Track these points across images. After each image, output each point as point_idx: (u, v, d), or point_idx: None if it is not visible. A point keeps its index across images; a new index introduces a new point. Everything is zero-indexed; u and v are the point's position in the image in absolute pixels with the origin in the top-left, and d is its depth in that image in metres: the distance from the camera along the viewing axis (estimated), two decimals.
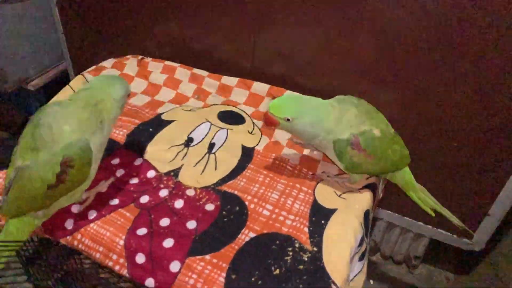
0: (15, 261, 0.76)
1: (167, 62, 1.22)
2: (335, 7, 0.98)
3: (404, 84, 1.02)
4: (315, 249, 0.74)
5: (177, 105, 1.10)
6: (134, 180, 0.86)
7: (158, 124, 1.01)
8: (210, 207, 0.81)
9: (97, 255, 0.75)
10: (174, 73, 1.19)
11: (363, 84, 1.07)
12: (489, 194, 1.08)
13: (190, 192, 0.84)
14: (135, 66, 1.21)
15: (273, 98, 0.96)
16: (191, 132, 0.98)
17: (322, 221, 0.79)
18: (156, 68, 1.21)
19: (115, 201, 0.81)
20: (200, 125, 1.00)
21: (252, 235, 0.76)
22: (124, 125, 1.00)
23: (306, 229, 0.78)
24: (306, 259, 0.72)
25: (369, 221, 0.85)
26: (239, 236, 0.76)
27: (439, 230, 1.22)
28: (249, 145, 0.97)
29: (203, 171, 0.89)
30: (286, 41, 1.10)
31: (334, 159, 0.81)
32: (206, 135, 0.98)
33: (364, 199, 0.85)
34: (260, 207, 0.82)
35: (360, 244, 0.79)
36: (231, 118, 1.04)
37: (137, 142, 0.95)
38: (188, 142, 0.96)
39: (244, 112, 1.07)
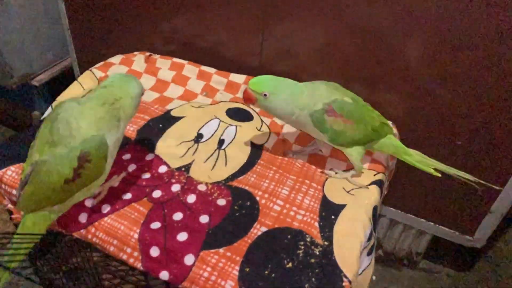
0: None
1: (175, 59, 1.22)
2: (342, 5, 1.00)
3: (410, 90, 1.04)
4: (326, 243, 0.76)
5: (185, 101, 1.11)
6: (146, 175, 0.87)
7: (167, 120, 1.02)
8: (221, 202, 0.82)
9: (111, 248, 0.76)
10: (182, 70, 1.20)
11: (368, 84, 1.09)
12: (491, 191, 1.11)
13: (201, 187, 0.85)
14: (143, 63, 1.22)
15: None
16: (200, 129, 1.00)
17: (332, 216, 0.81)
18: (164, 65, 1.22)
19: (128, 196, 0.82)
20: (210, 121, 1.01)
21: (264, 229, 0.78)
22: (134, 121, 1.01)
23: (316, 224, 0.79)
24: (317, 253, 0.74)
25: (377, 217, 0.87)
26: (251, 230, 0.77)
27: (441, 227, 1.24)
28: (258, 142, 0.98)
29: (213, 167, 0.90)
30: (295, 38, 1.11)
31: (316, 133, 0.85)
32: (216, 131, 0.99)
33: (372, 195, 0.87)
34: (271, 202, 0.83)
35: (369, 239, 0.81)
36: (239, 115, 1.05)
37: (147, 138, 0.97)
38: (198, 138, 0.97)
39: (252, 109, 1.09)
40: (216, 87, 1.16)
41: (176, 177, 0.87)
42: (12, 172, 0.86)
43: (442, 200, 1.19)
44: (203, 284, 0.70)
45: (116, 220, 0.77)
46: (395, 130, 1.04)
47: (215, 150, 0.95)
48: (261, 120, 1.05)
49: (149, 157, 0.92)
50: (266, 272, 0.70)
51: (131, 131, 0.98)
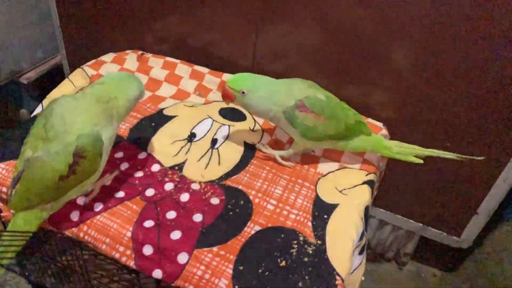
0: None
1: (168, 58, 1.22)
2: (339, 6, 1.01)
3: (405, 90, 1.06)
4: (319, 242, 0.76)
5: (178, 100, 1.11)
6: (139, 174, 0.87)
7: (160, 119, 1.02)
8: (215, 200, 0.82)
9: (103, 247, 0.76)
10: (175, 69, 1.20)
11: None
12: (478, 193, 1.13)
13: (195, 186, 0.85)
14: (135, 61, 1.22)
15: None
16: (193, 128, 0.99)
17: (325, 216, 0.82)
18: (156, 64, 1.21)
19: (121, 194, 0.82)
20: (203, 120, 1.01)
21: (257, 228, 0.78)
22: (127, 119, 1.00)
23: (309, 223, 0.80)
24: (310, 251, 0.74)
25: (368, 216, 0.88)
26: (245, 229, 0.78)
27: (429, 228, 1.26)
28: (251, 141, 0.98)
29: (207, 166, 0.90)
30: (287, 40, 1.12)
31: (289, 129, 0.86)
32: (209, 130, 0.99)
33: (364, 195, 0.88)
34: (264, 201, 0.84)
35: (361, 238, 0.82)
36: (232, 114, 1.05)
37: (140, 136, 0.96)
38: (191, 137, 0.97)
39: None
40: (209, 87, 1.17)
41: (169, 176, 0.87)
42: (1, 169, 0.84)
43: (431, 201, 1.21)
44: (197, 282, 0.70)
45: (108, 218, 0.77)
46: (385, 131, 1.06)
47: (208, 149, 0.95)
48: (254, 120, 1.06)
49: (142, 155, 0.91)
50: (260, 270, 0.71)
51: (124, 129, 0.98)
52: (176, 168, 0.89)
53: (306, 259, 0.73)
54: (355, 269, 0.82)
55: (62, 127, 0.66)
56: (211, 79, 1.18)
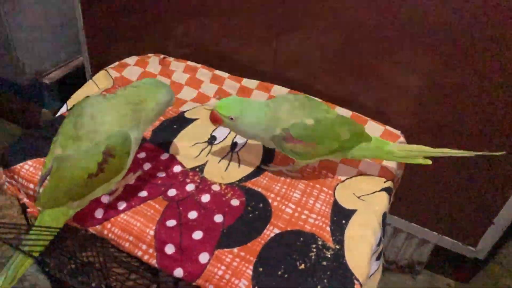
0: None
1: (189, 62, 1.25)
2: (357, 11, 1.03)
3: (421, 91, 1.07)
4: (337, 246, 0.77)
5: (199, 104, 1.13)
6: (161, 174, 0.89)
7: (181, 121, 1.04)
8: (235, 202, 0.84)
9: (127, 245, 0.78)
10: (196, 73, 1.22)
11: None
12: (495, 203, 1.13)
13: (215, 188, 0.87)
14: (158, 65, 1.24)
15: None
16: (213, 131, 1.01)
17: (343, 221, 0.83)
18: (178, 68, 1.24)
19: (144, 193, 0.84)
20: None
21: (276, 231, 0.79)
22: None
23: (328, 228, 0.81)
24: (329, 256, 0.75)
25: (386, 223, 0.89)
26: (264, 231, 0.79)
27: (444, 237, 1.26)
28: (270, 146, 1.00)
29: (227, 168, 0.92)
30: (307, 47, 1.13)
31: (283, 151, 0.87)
32: (229, 134, 1.01)
33: (382, 202, 0.88)
34: (283, 205, 0.85)
35: (378, 244, 0.82)
36: None
37: (162, 138, 0.98)
38: (211, 140, 0.99)
39: None
40: (228, 91, 1.19)
41: (191, 177, 0.89)
42: (29, 167, 0.87)
43: (446, 210, 1.21)
44: (217, 282, 0.72)
45: (132, 217, 0.79)
46: (402, 139, 1.06)
47: (228, 152, 0.96)
48: None
49: (164, 156, 0.93)
50: (279, 272, 0.72)
51: (147, 131, 1.00)
52: (197, 169, 0.91)
53: (324, 263, 0.74)
54: (372, 275, 0.82)
55: (93, 126, 0.69)
56: (231, 84, 1.20)
